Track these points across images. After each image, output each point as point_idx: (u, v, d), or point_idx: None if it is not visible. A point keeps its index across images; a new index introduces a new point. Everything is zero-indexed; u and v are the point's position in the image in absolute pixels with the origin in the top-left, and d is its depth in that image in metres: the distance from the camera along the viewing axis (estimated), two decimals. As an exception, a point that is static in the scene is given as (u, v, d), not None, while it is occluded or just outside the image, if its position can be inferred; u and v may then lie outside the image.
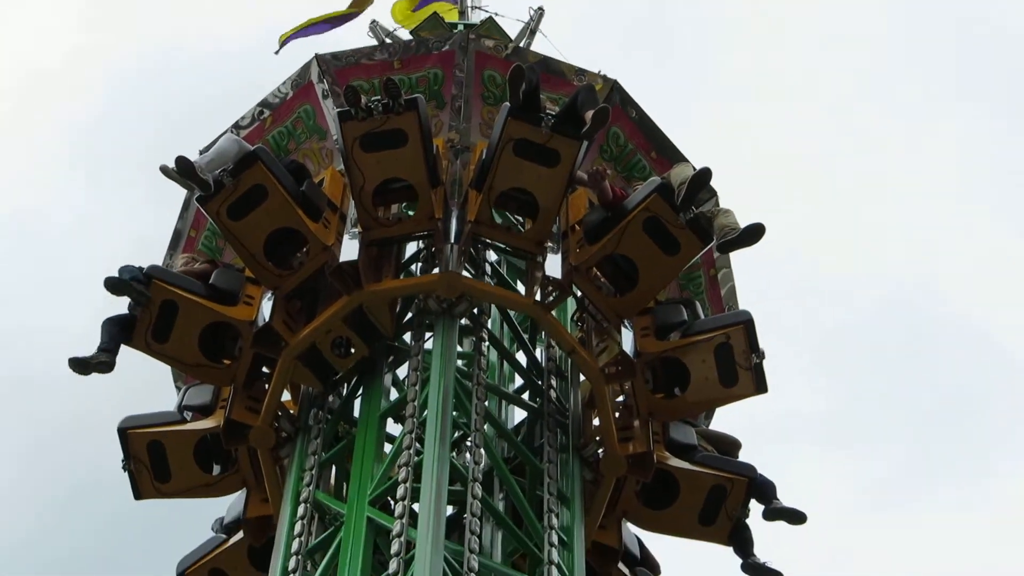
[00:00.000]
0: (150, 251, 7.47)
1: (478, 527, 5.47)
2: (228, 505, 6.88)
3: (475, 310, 6.70)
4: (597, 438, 6.54)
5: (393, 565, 5.11)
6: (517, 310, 6.94)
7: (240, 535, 6.65)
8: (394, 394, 6.76)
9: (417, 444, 5.70)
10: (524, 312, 6.78)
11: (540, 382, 6.82)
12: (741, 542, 6.57)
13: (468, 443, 6.09)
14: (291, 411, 6.70)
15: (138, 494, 6.65)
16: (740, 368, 6.38)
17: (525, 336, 7.33)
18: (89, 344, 6.36)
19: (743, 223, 6.19)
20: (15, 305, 22.64)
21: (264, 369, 6.57)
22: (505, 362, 7.35)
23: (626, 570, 6.60)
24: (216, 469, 6.64)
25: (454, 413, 6.09)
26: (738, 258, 7.33)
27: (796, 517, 6.50)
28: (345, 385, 6.83)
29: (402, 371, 6.71)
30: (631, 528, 6.77)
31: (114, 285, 6.13)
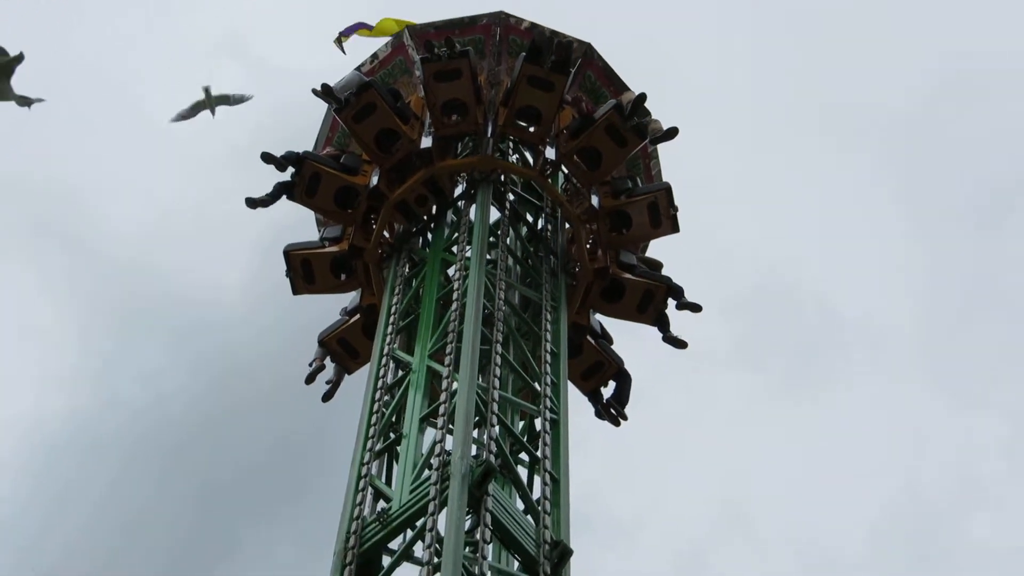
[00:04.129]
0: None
1: (499, 372, 8.10)
2: (350, 299, 11.09)
3: (502, 185, 10.67)
4: (576, 259, 10.56)
5: (443, 396, 7.67)
6: (527, 178, 10.98)
7: (357, 316, 10.82)
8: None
9: (463, 301, 8.53)
10: (531, 179, 10.88)
11: (540, 224, 10.96)
12: (663, 324, 10.67)
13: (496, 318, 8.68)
14: (389, 242, 10.76)
15: (295, 291, 10.86)
16: (663, 217, 10.48)
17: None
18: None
19: (665, 127, 10.39)
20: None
21: (372, 216, 10.67)
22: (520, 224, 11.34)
23: (593, 341, 10.75)
24: (343, 276, 10.80)
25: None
26: (663, 153, 11.44)
27: (697, 308, 10.57)
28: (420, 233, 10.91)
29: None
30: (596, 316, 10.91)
31: (265, 157, 10.29)
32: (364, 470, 7.61)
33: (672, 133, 10.38)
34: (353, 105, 10.35)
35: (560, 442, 8.07)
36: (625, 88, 11.19)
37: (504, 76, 11.17)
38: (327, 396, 11.04)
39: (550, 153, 10.54)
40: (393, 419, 8.35)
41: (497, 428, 7.51)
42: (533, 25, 11.38)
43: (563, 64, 10.37)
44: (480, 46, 11.42)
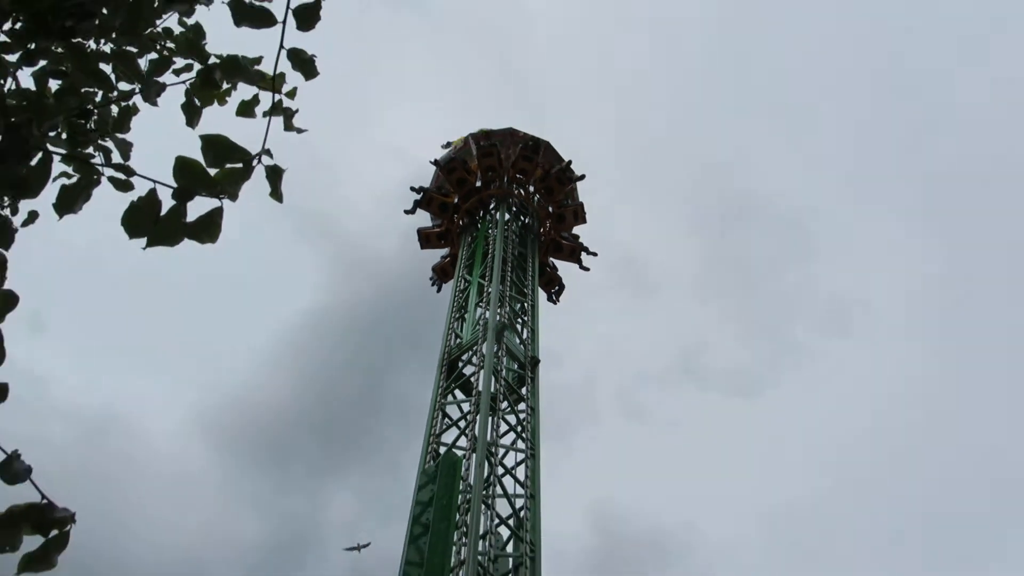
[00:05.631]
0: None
1: (509, 283, 22.81)
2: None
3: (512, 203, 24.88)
4: (543, 234, 25.23)
5: (485, 293, 21.90)
6: (522, 199, 25.56)
7: (448, 258, 25.54)
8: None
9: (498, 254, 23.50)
10: (524, 200, 25.45)
11: (527, 219, 25.21)
12: (579, 262, 25.48)
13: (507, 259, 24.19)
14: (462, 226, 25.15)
15: (423, 247, 25.69)
16: (579, 216, 25.11)
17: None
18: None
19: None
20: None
21: (455, 214, 25.07)
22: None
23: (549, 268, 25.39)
24: (442, 241, 26.03)
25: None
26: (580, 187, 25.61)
27: (592, 253, 25.22)
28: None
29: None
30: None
31: (412, 189, 24.75)
32: (453, 325, 22.07)
33: (581, 177, 24.74)
34: (446, 167, 24.39)
35: (535, 315, 22.66)
36: (561, 159, 25.58)
37: (512, 153, 25.21)
38: (435, 283, 25.77)
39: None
40: (463, 304, 22.92)
41: (508, 308, 21.99)
42: (526, 134, 25.58)
43: (536, 152, 24.50)
44: (502, 141, 25.63)
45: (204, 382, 52.68)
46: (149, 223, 2.30)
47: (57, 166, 2.33)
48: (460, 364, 19.00)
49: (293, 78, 2.55)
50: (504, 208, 24.27)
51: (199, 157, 2.32)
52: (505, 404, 16.98)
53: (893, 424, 53.36)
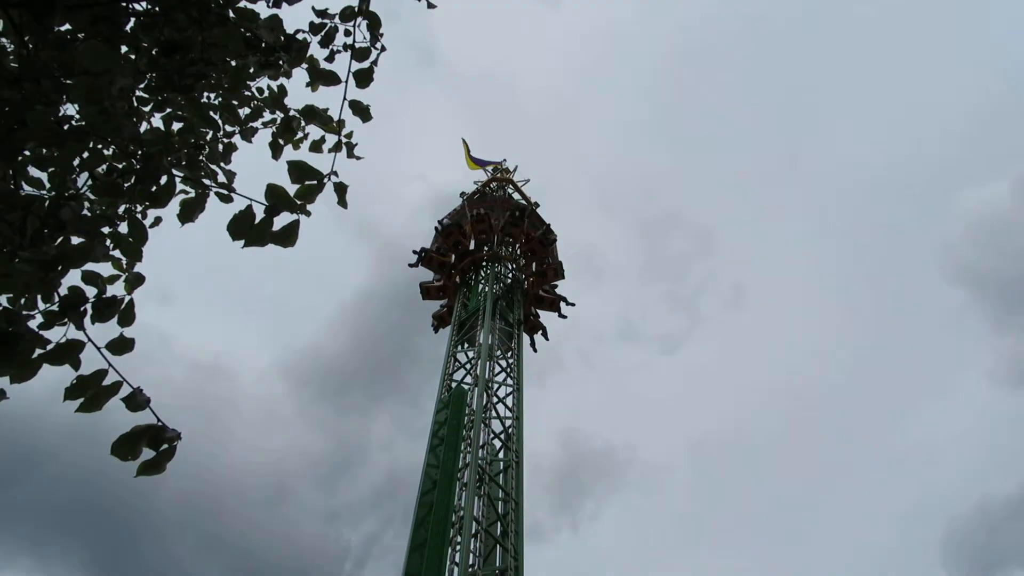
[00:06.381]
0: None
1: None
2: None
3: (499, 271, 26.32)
4: (527, 287, 26.53)
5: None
6: (510, 260, 27.10)
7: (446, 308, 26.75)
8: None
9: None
10: (510, 260, 26.75)
11: (510, 276, 26.36)
12: (559, 312, 26.70)
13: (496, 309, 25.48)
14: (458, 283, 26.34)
15: (424, 298, 27.00)
16: (559, 271, 26.53)
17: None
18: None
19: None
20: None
21: (453, 271, 26.27)
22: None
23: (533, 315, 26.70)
24: (441, 294, 27.39)
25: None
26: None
27: (571, 304, 26.23)
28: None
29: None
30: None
31: (415, 251, 25.99)
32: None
33: (554, 240, 27.05)
34: (445, 231, 26.24)
35: (521, 349, 23.83)
36: (543, 222, 27.40)
37: (501, 219, 26.83)
38: (435, 327, 27.08)
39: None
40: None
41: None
42: (516, 202, 27.93)
43: (522, 219, 26.16)
44: (493, 207, 27.56)
45: (283, 339, 74.27)
46: (246, 229, 3.18)
47: (179, 186, 3.20)
48: (467, 326, 24.19)
49: (351, 121, 3.48)
50: (493, 268, 26.48)
51: (283, 182, 3.21)
52: (499, 353, 22.75)
53: (783, 374, 74.26)
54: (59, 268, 3.14)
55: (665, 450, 75.05)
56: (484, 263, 26.50)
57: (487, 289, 25.06)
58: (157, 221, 3.42)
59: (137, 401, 3.17)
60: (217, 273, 75.09)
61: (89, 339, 3.15)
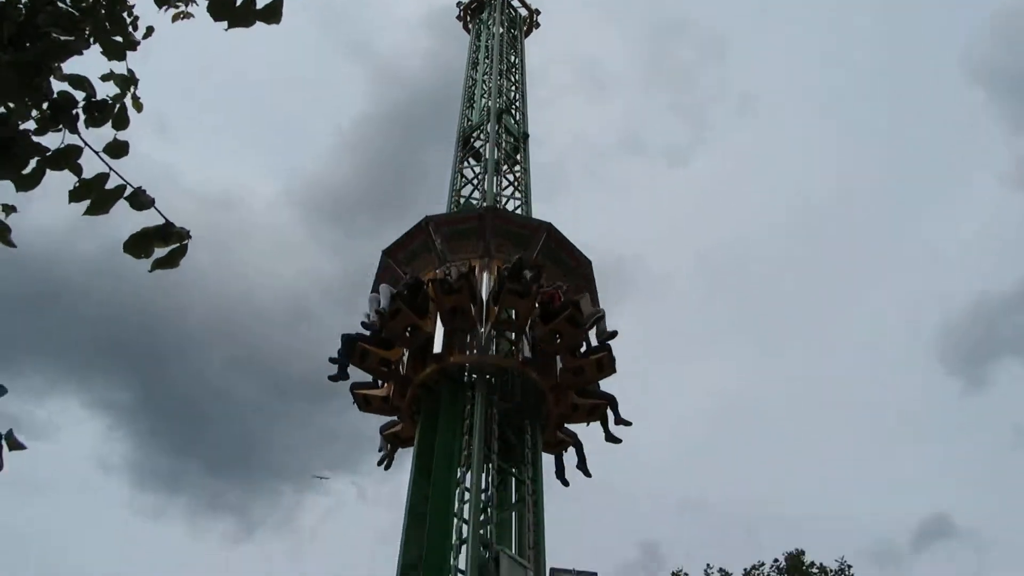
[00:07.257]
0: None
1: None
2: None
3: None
4: (547, 404, 15.42)
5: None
6: (509, 367, 15.09)
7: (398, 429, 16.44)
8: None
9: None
10: (512, 367, 15.12)
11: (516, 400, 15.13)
12: (605, 424, 16.09)
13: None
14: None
15: (360, 409, 16.17)
16: (607, 367, 15.45)
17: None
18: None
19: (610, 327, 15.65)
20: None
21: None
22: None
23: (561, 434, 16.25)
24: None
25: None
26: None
27: (626, 423, 16.01)
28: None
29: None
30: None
31: (331, 360, 15.25)
32: (466, 112, 24.10)
33: (614, 335, 15.59)
34: (391, 311, 15.14)
35: (528, 163, 22.20)
36: (573, 251, 17.69)
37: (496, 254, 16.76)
38: (382, 462, 16.69)
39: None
40: (471, 97, 24.10)
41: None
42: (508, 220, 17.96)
43: (536, 279, 15.50)
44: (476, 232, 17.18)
45: (289, 167, 75.17)
46: (230, 9, 3.22)
47: None
48: (472, 139, 22.64)
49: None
50: (482, 389, 14.88)
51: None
52: (505, 167, 21.67)
53: (793, 183, 73.03)
54: (43, 69, 3.13)
55: (673, 261, 75.49)
56: (465, 375, 15.19)
57: (475, 420, 14.30)
58: (149, 31, 3.44)
59: (141, 200, 3.10)
60: (213, 105, 73.64)
61: (85, 143, 3.10)
